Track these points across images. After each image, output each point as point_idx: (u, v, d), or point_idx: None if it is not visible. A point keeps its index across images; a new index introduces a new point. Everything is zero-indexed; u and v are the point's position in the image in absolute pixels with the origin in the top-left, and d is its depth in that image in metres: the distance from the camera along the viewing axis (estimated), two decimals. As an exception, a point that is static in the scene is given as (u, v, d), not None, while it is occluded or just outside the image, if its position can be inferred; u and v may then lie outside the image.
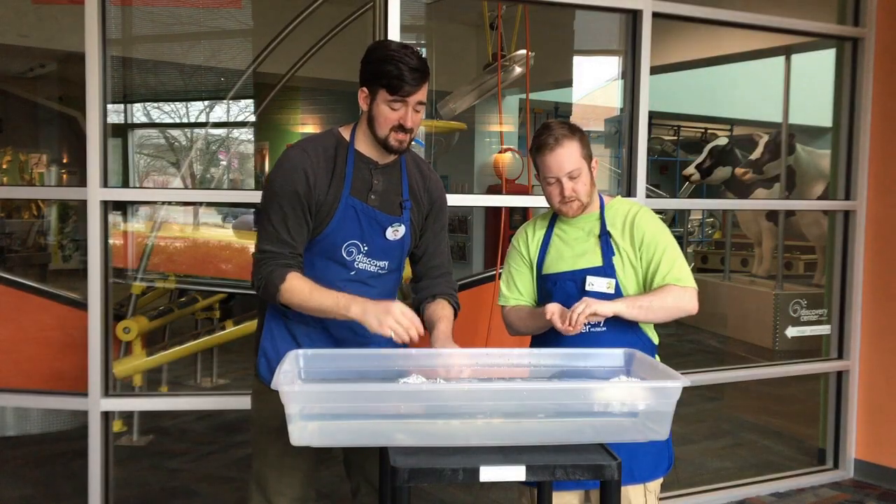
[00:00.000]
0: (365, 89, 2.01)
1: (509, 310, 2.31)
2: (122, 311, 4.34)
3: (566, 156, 2.10)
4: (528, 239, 2.29)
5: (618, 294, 2.14)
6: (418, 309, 2.17)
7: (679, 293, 2.11)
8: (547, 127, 2.15)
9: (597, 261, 2.17)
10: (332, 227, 2.02)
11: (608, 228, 2.18)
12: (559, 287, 2.19)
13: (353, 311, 1.87)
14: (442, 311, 2.10)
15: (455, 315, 2.15)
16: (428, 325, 2.08)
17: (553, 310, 2.05)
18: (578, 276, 2.16)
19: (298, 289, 1.94)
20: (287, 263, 1.98)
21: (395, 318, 1.83)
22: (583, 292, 2.14)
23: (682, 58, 6.64)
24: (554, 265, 2.22)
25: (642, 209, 2.22)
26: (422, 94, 1.98)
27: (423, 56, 1.99)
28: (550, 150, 2.11)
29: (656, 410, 1.66)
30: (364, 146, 2.06)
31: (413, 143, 2.08)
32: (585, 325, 2.11)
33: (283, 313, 2.12)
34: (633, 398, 1.66)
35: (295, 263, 1.99)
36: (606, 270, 2.15)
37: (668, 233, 2.19)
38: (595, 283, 2.14)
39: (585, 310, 1.99)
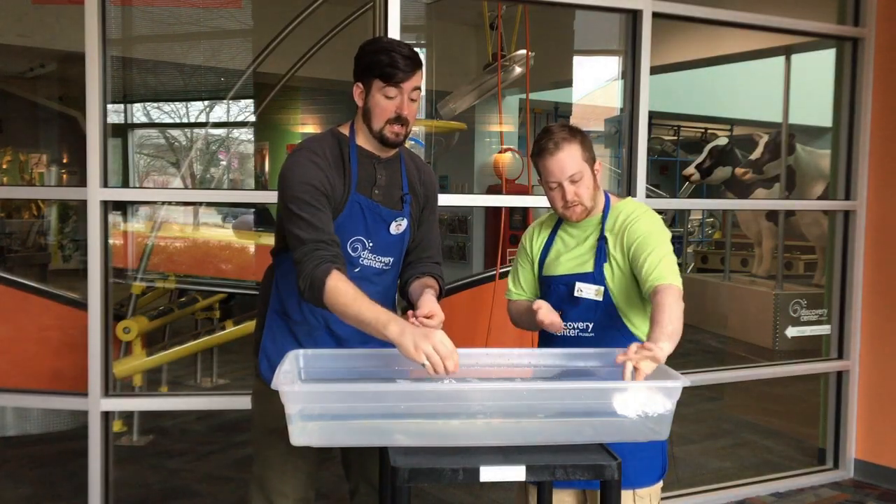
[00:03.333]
0: (360, 84, 2.02)
1: (511, 304, 2.33)
2: (122, 311, 4.35)
3: (567, 159, 2.08)
4: (534, 238, 2.30)
5: (607, 302, 2.12)
6: (404, 287, 2.18)
7: (677, 299, 1.94)
8: (547, 130, 2.13)
9: (589, 266, 2.15)
10: (338, 224, 2.01)
11: (605, 233, 2.16)
12: (552, 290, 2.20)
13: (391, 329, 1.75)
14: (429, 282, 2.11)
15: (439, 297, 2.10)
16: (413, 295, 2.09)
17: (541, 304, 2.06)
18: (570, 282, 2.16)
19: (343, 291, 1.84)
20: (330, 256, 1.91)
21: (434, 344, 1.68)
22: (573, 298, 2.14)
23: (682, 58, 6.64)
24: (551, 268, 2.22)
25: (643, 214, 2.16)
26: (416, 81, 1.98)
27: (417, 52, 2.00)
28: (551, 153, 2.09)
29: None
30: (364, 142, 2.07)
31: (413, 143, 2.09)
32: (574, 328, 2.13)
33: (285, 312, 2.12)
34: (638, 400, 1.65)
35: (336, 255, 1.93)
36: (596, 277, 2.13)
37: (663, 234, 2.11)
38: (584, 290, 2.13)
39: (647, 360, 1.69)
